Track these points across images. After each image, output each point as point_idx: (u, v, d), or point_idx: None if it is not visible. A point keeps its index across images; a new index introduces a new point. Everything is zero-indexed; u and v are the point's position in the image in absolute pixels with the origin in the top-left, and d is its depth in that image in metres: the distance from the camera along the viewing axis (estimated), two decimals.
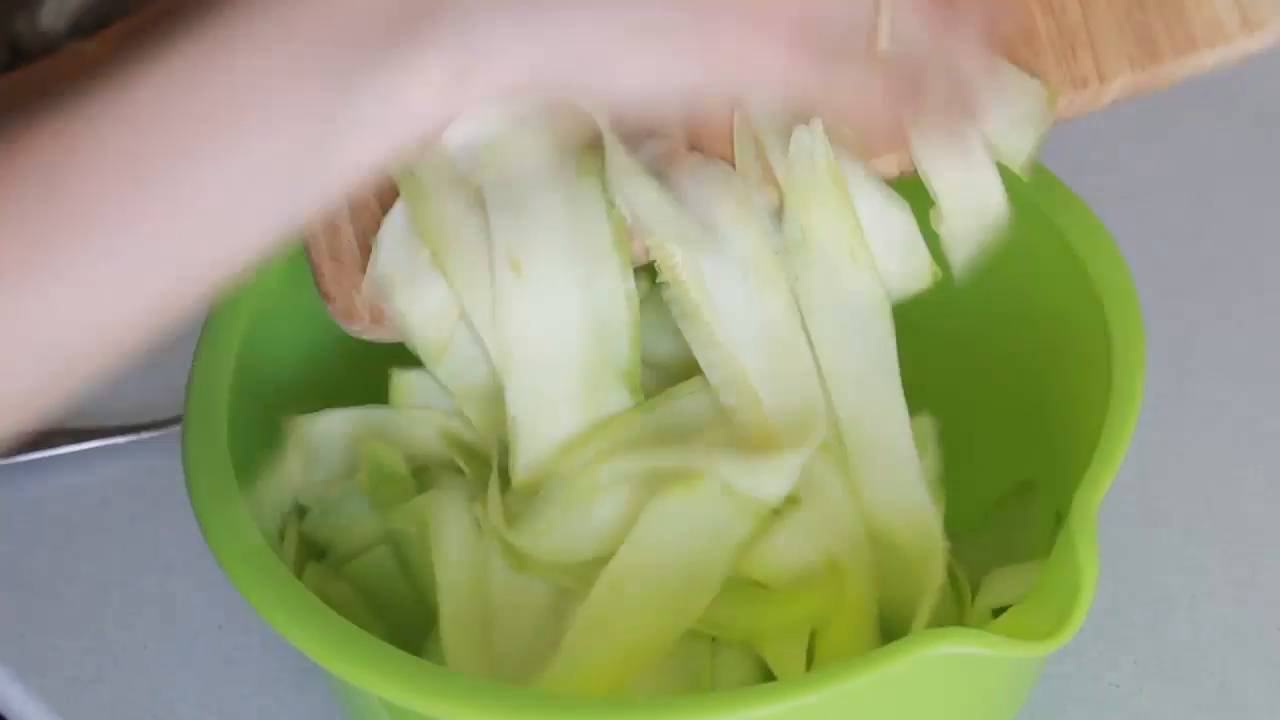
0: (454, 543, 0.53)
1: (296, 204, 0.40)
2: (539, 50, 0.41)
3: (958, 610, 0.54)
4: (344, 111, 0.39)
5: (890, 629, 0.53)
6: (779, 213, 0.53)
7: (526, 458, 0.53)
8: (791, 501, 0.52)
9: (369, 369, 0.56)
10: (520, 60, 0.41)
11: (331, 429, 0.55)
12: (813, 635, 0.52)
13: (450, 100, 0.40)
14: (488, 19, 0.40)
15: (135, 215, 0.38)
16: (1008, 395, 0.57)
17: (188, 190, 0.38)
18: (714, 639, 0.53)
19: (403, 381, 0.55)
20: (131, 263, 0.38)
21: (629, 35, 0.42)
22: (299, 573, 0.53)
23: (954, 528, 0.55)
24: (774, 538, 0.52)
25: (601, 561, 0.52)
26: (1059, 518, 0.48)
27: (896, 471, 0.53)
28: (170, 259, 0.39)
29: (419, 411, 0.55)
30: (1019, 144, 0.52)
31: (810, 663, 0.52)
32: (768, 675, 0.53)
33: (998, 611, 0.47)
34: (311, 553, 0.55)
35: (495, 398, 0.53)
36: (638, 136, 0.52)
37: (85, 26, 0.82)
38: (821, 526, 0.53)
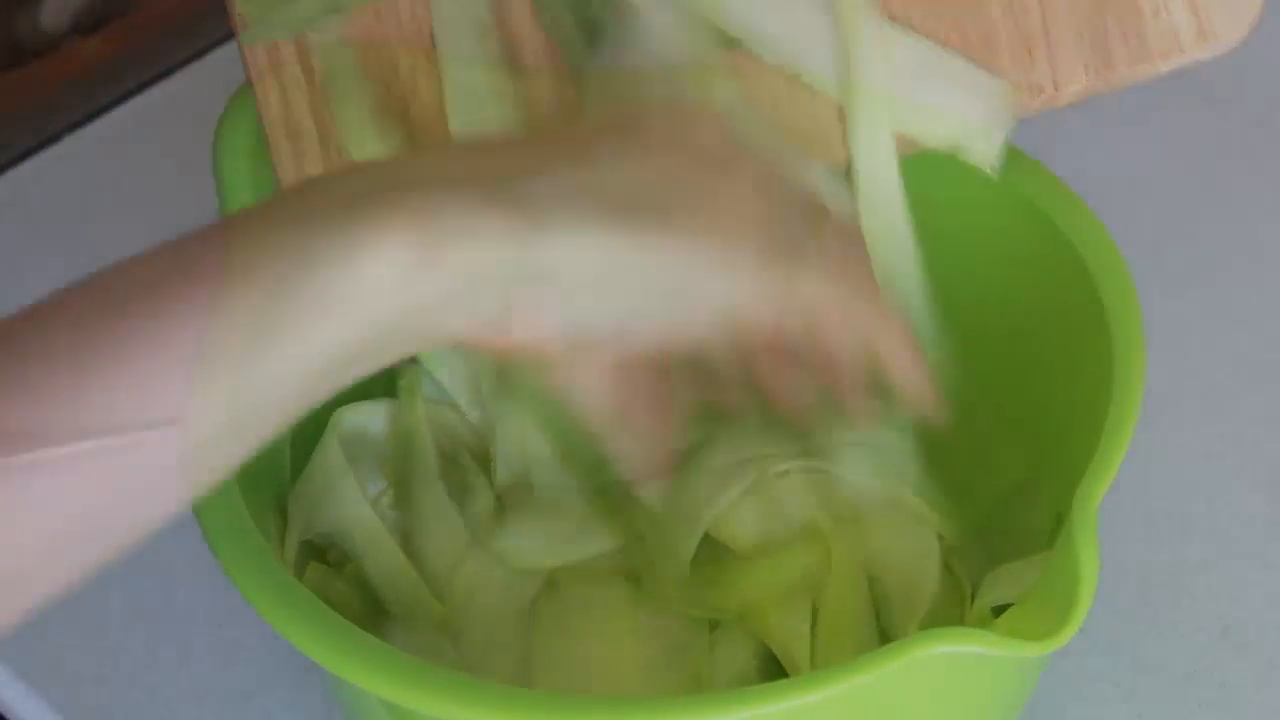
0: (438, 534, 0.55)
1: (249, 395, 0.36)
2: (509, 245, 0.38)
3: (958, 610, 0.54)
4: (298, 279, 0.36)
5: (888, 634, 0.54)
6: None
7: (505, 466, 0.55)
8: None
9: None
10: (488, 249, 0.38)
11: (366, 419, 0.57)
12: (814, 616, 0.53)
13: (415, 281, 0.37)
14: (455, 195, 0.38)
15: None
16: (1008, 395, 0.57)
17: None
18: (713, 629, 0.54)
19: (411, 380, 0.56)
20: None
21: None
22: (299, 573, 0.53)
23: (954, 528, 0.55)
24: (770, 498, 0.54)
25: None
26: (1059, 518, 0.48)
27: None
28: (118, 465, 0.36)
29: (432, 406, 0.57)
30: (987, 145, 0.53)
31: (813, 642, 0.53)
32: (768, 663, 0.53)
33: (998, 611, 0.47)
34: (312, 553, 0.55)
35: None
36: None
37: (85, 26, 0.82)
38: (808, 495, 0.55)
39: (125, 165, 0.80)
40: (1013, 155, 0.55)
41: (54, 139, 0.81)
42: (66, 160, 0.80)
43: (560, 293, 0.39)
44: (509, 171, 0.39)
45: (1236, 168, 0.76)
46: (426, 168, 0.39)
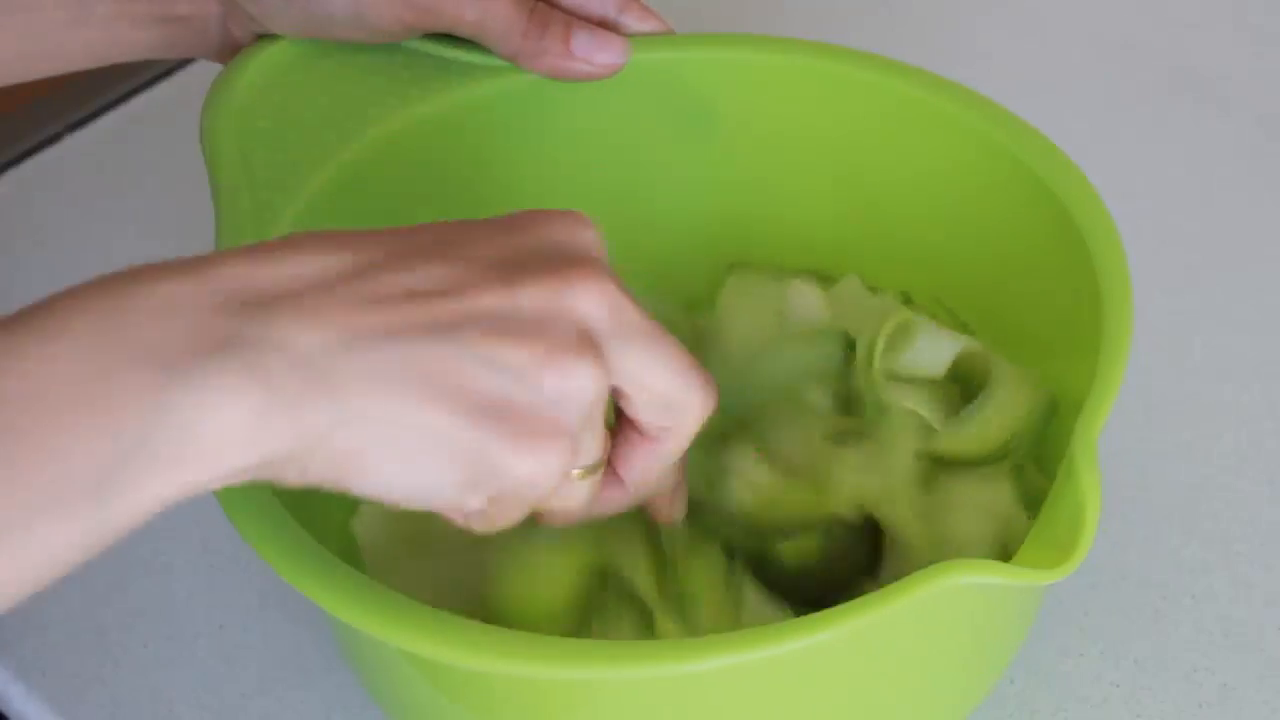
0: None
1: (90, 533, 0.38)
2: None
3: None
4: (146, 432, 0.37)
5: None
6: None
7: None
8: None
9: None
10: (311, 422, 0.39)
11: None
12: None
13: (266, 437, 0.38)
14: (307, 339, 0.39)
15: None
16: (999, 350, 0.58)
17: None
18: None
19: None
20: None
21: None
22: None
23: None
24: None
25: None
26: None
27: None
28: None
29: None
30: None
31: None
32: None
33: None
34: None
35: None
36: None
37: None
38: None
39: (125, 165, 0.80)
40: (1003, 117, 0.57)
41: (54, 139, 0.81)
42: (66, 160, 0.80)
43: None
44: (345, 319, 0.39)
45: (1236, 168, 0.76)
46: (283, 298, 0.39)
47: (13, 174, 0.80)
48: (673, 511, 0.52)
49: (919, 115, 0.59)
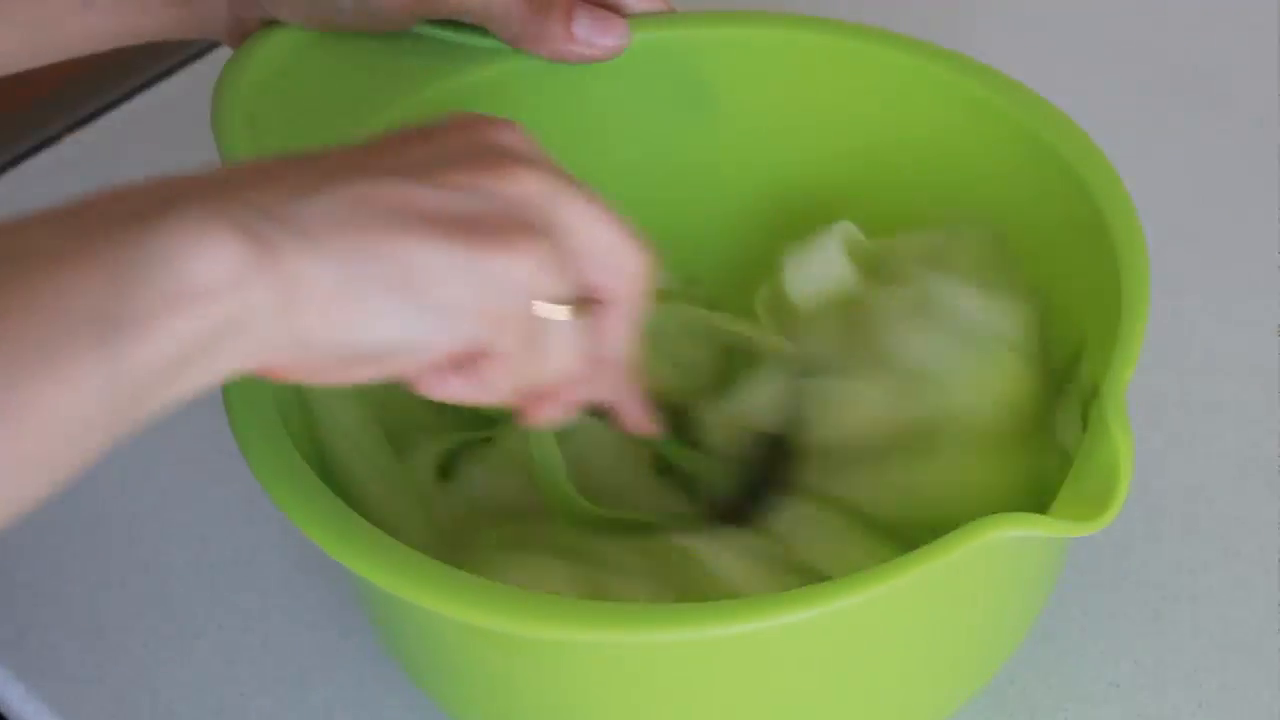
0: None
1: (103, 396, 0.36)
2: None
3: None
4: (134, 272, 0.37)
5: None
6: None
7: None
8: None
9: None
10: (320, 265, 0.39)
11: None
12: None
13: (248, 284, 0.38)
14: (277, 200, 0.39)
15: None
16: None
17: None
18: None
19: None
20: None
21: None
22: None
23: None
24: None
25: None
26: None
27: None
28: None
29: None
30: None
31: None
32: None
33: None
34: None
35: None
36: None
37: None
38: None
39: (125, 165, 0.80)
40: (1006, 84, 0.58)
41: (54, 139, 0.81)
42: (66, 160, 0.80)
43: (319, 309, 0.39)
44: (284, 192, 0.40)
45: (1236, 168, 0.76)
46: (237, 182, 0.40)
47: (13, 174, 0.80)
48: (642, 421, 0.52)
49: (925, 87, 0.59)
